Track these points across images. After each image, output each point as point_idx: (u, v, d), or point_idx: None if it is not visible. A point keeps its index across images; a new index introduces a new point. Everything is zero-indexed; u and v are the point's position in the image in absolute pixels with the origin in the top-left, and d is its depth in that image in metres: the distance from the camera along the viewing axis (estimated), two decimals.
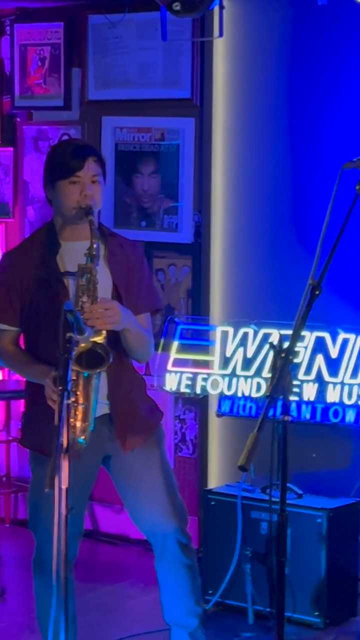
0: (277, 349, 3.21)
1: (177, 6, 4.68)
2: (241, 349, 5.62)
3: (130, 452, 4.29)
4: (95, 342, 3.99)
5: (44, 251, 4.31)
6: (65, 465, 3.69)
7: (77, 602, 4.35)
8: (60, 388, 3.61)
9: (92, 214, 4.18)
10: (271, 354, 3.41)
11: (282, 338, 3.54)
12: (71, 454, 3.63)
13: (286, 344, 3.24)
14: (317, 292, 3.21)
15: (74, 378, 3.93)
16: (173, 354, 5.75)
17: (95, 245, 4.13)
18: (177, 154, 6.23)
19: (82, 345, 3.96)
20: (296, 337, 3.18)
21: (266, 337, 5.50)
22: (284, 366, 3.14)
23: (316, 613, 5.21)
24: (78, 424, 4.10)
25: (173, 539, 4.40)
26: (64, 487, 3.66)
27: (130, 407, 4.31)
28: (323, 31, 5.74)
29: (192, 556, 4.46)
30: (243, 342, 5.61)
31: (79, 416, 4.10)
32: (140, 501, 4.42)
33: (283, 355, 3.15)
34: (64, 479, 3.69)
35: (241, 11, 5.93)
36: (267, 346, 5.34)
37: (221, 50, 6.04)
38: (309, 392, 5.46)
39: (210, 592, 5.46)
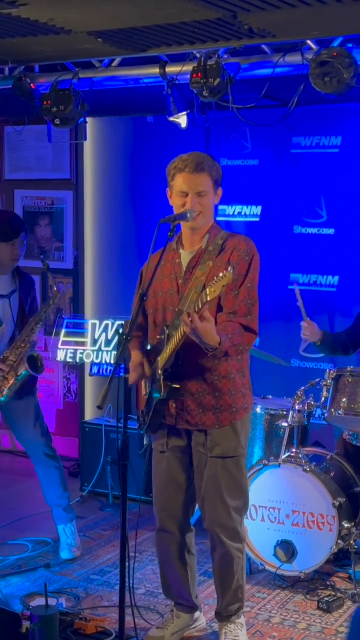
0: (120, 333, 3.21)
1: (57, 122, 4.65)
2: (104, 334, 5.59)
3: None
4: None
5: None
6: None
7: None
8: None
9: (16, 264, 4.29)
10: (117, 336, 3.41)
11: (119, 327, 3.56)
12: None
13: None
14: (145, 298, 3.21)
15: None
16: (62, 338, 5.69)
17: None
18: (62, 214, 6.17)
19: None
20: (132, 327, 3.17)
21: (119, 327, 5.48)
22: (124, 344, 3.13)
23: None
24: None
25: (42, 452, 4.41)
26: None
27: None
28: (152, 137, 5.76)
29: (57, 461, 4.49)
30: (105, 329, 5.59)
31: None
32: (21, 431, 4.47)
33: (123, 337, 3.15)
34: None
35: (100, 125, 5.93)
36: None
37: (88, 148, 6.01)
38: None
39: (86, 484, 5.44)
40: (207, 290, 3.00)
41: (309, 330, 4.49)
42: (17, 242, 4.27)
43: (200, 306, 3.03)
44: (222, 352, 3.19)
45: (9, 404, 4.33)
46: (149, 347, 3.49)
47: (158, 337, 3.38)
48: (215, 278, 3.01)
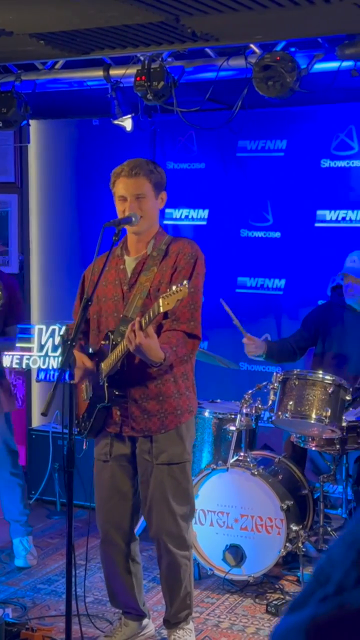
0: (65, 339, 3.18)
1: (0, 124, 4.63)
2: (51, 339, 5.55)
3: None
4: None
5: None
6: None
7: None
8: None
9: None
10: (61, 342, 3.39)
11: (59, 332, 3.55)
12: None
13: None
14: (89, 303, 3.19)
15: None
16: None
17: None
18: (7, 217, 6.09)
19: None
20: (76, 332, 3.15)
21: (59, 332, 5.47)
22: (69, 349, 3.11)
23: None
24: None
25: (7, 471, 4.41)
26: None
27: None
28: (97, 140, 5.74)
29: (21, 478, 4.49)
30: (52, 334, 5.55)
31: None
32: None
33: (67, 342, 3.13)
34: None
35: (44, 127, 5.88)
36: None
37: (33, 151, 5.94)
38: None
39: (33, 492, 5.39)
40: (160, 302, 2.98)
41: (252, 346, 4.52)
42: None
43: (152, 317, 3.04)
44: (166, 366, 3.21)
45: None
46: (90, 351, 3.47)
47: (102, 342, 3.37)
48: (169, 290, 3.00)
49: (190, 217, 5.56)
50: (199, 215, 5.53)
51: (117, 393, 3.29)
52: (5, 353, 5.56)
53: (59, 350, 3.62)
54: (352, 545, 0.82)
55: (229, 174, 5.42)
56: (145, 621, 3.67)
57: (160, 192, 3.40)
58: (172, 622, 3.52)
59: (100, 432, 3.43)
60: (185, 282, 3.04)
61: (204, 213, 5.51)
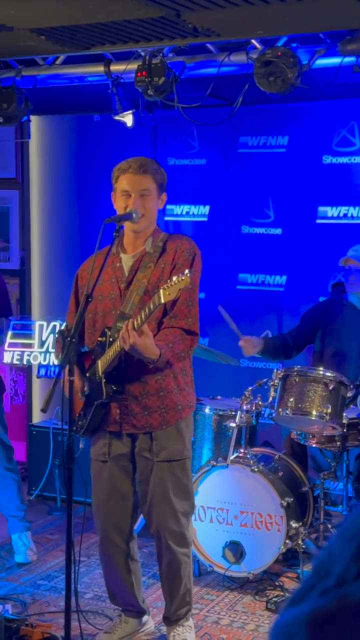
0: (64, 335, 3.18)
1: (0, 120, 4.62)
2: (52, 335, 5.55)
3: None
4: None
5: None
6: None
7: None
8: None
9: None
10: (61, 337, 3.39)
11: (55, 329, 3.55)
12: None
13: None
14: (89, 299, 3.18)
15: None
16: (8, 340, 5.63)
17: None
18: (8, 213, 6.09)
19: None
20: (76, 328, 3.15)
21: (55, 329, 5.46)
22: (68, 345, 3.11)
23: None
24: None
25: (2, 466, 4.44)
26: None
27: None
28: (97, 136, 5.73)
29: (16, 474, 4.47)
30: (53, 330, 5.54)
31: None
32: None
33: (67, 339, 3.12)
34: None
35: (45, 123, 5.87)
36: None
37: (34, 147, 5.93)
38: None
39: (33, 488, 5.39)
40: (161, 292, 2.98)
41: (249, 348, 4.51)
42: None
43: (152, 309, 3.04)
44: (162, 363, 3.19)
45: None
46: (86, 349, 3.46)
47: (99, 339, 3.36)
48: (170, 281, 3.01)
49: (191, 213, 5.55)
50: (199, 212, 5.52)
51: (115, 389, 3.28)
52: (6, 349, 5.57)
53: (55, 347, 3.61)
54: (351, 539, 0.82)
55: (230, 170, 5.41)
56: (145, 618, 3.67)
57: (162, 192, 3.41)
58: (172, 619, 3.52)
59: (97, 431, 3.42)
60: (186, 271, 3.03)
61: (205, 209, 5.50)
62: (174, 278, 3.00)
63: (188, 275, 3.00)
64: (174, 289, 2.99)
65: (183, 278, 2.99)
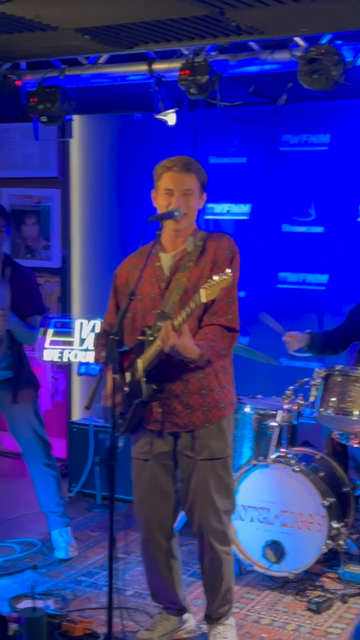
0: (108, 333, 3.17)
1: (44, 119, 4.65)
2: (92, 333, 5.57)
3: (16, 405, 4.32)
4: None
5: None
6: None
7: None
8: None
9: None
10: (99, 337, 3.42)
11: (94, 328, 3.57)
12: None
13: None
14: (132, 297, 3.18)
15: None
16: (49, 338, 5.66)
17: None
18: (49, 212, 6.14)
19: None
20: (119, 327, 3.14)
21: (94, 328, 5.48)
22: (111, 344, 3.10)
23: None
24: None
25: (40, 462, 4.41)
26: None
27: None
28: (138, 134, 5.75)
29: (55, 469, 4.49)
30: (93, 328, 5.56)
31: None
32: (21, 437, 4.45)
33: (111, 337, 3.12)
34: None
35: (86, 122, 5.90)
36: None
37: (75, 146, 5.97)
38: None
39: (73, 485, 5.42)
40: (202, 292, 2.98)
41: (294, 342, 4.47)
42: None
43: (194, 308, 3.03)
44: (203, 362, 3.19)
45: (9, 410, 4.33)
46: (125, 348, 3.45)
47: (139, 338, 3.36)
48: (210, 281, 3.00)
49: (232, 211, 5.54)
50: (240, 210, 5.51)
51: (155, 388, 3.29)
52: (47, 347, 5.61)
53: (94, 347, 3.61)
54: None
55: (271, 168, 5.39)
56: (185, 616, 3.68)
57: (203, 192, 3.41)
58: (213, 617, 3.52)
59: (137, 430, 3.42)
60: (227, 270, 3.03)
61: (246, 208, 5.48)
62: (215, 277, 3.00)
63: (230, 274, 3.00)
64: (215, 288, 2.99)
65: (224, 277, 2.99)
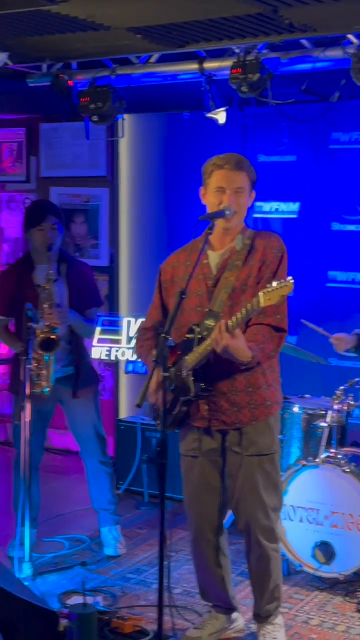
0: (159, 332, 3.18)
1: (95, 118, 4.68)
2: None
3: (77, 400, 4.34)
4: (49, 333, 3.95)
5: (24, 270, 4.24)
6: (28, 405, 3.65)
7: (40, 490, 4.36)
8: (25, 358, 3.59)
9: (51, 249, 4.16)
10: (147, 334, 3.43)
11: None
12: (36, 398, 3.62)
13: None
14: (183, 297, 3.18)
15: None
16: (97, 336, 5.71)
17: (52, 270, 4.08)
18: (98, 211, 6.17)
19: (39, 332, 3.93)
20: (170, 325, 3.14)
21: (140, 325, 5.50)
22: (162, 342, 3.11)
23: None
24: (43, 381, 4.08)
25: (96, 459, 4.43)
26: (27, 420, 3.62)
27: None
28: (187, 133, 5.75)
29: (109, 467, 4.51)
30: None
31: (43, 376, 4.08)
32: (78, 433, 4.45)
33: (162, 336, 3.13)
34: (27, 413, 3.66)
35: (136, 121, 5.90)
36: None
37: (124, 145, 6.00)
38: None
39: (121, 482, 5.44)
40: (261, 297, 2.99)
41: (341, 344, 4.41)
42: (46, 226, 4.20)
43: (251, 311, 3.03)
44: (254, 364, 3.20)
45: (70, 406, 4.36)
46: (172, 345, 3.44)
47: (187, 336, 3.35)
48: (270, 287, 3.00)
49: (280, 210, 5.51)
50: (289, 209, 5.48)
51: (203, 386, 3.29)
52: (95, 345, 5.64)
53: (136, 344, 3.62)
54: None
55: (320, 166, 5.35)
56: (234, 615, 3.67)
57: (253, 190, 3.40)
58: (262, 615, 3.51)
59: (182, 425, 3.43)
60: (290, 278, 3.03)
61: (295, 206, 5.45)
62: (275, 284, 2.99)
63: (291, 282, 2.99)
64: (274, 294, 2.98)
65: (287, 284, 2.98)
